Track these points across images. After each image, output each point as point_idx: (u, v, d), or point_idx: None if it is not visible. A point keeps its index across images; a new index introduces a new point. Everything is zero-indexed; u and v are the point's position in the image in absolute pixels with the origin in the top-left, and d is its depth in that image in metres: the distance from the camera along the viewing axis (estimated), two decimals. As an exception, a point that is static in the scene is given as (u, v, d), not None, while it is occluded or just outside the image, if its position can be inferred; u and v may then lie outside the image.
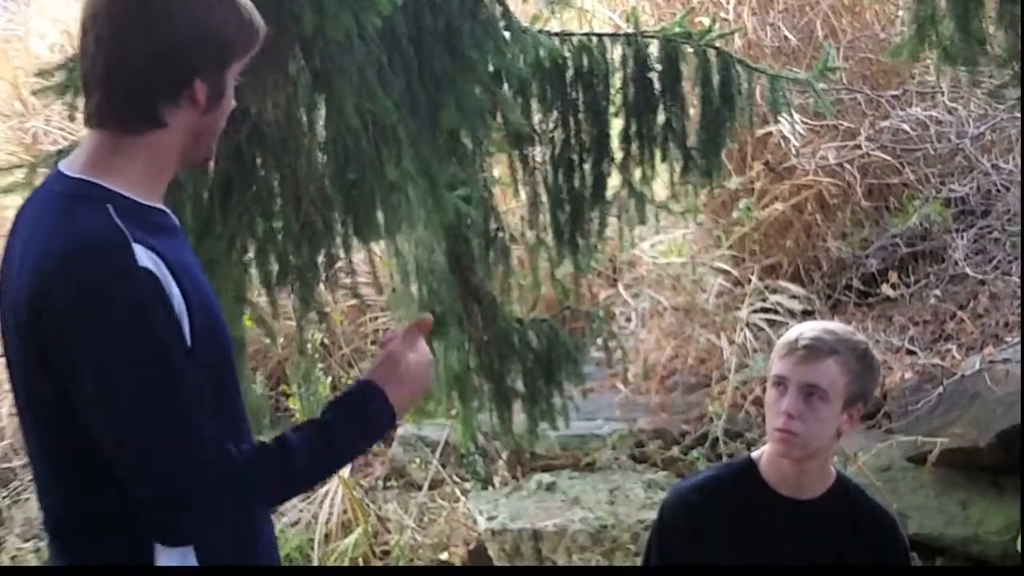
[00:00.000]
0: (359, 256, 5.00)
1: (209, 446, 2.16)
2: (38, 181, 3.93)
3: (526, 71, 4.54)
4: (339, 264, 4.42)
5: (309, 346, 7.06)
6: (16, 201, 3.96)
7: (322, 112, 4.00)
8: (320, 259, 4.26)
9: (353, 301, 7.23)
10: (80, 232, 2.18)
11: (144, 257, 2.16)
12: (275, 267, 4.20)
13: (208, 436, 2.16)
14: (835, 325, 3.14)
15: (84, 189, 2.25)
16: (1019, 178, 7.04)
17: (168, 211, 2.37)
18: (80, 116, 3.93)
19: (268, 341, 5.32)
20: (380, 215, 4.14)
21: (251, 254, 4.18)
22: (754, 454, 3.18)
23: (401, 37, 3.98)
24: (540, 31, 4.74)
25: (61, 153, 4.03)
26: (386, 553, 6.42)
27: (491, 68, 4.29)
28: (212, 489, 2.15)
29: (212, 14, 2.27)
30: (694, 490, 3.18)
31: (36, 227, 2.27)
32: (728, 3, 7.86)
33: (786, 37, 7.74)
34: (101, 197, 2.23)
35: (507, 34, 4.33)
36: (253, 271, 4.22)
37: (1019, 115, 6.88)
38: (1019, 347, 6.02)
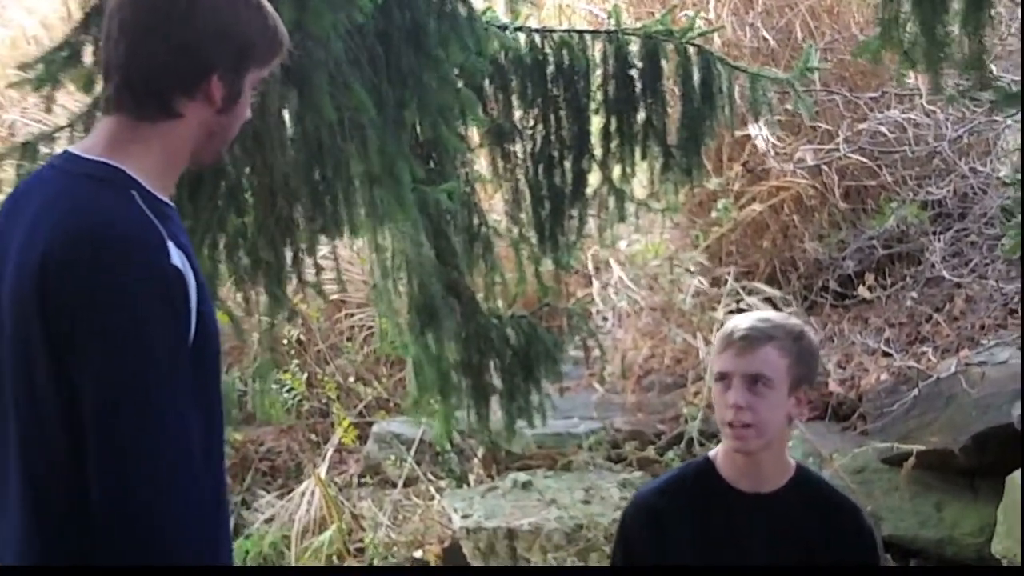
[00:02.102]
0: (332, 252, 5.00)
1: (181, 468, 2.15)
2: (4, 173, 3.93)
3: (489, 68, 4.54)
4: (312, 260, 4.42)
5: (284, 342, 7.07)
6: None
7: (294, 107, 3.99)
8: (290, 254, 4.25)
9: (331, 297, 7.23)
10: (113, 216, 2.18)
11: (175, 255, 2.17)
12: (246, 262, 4.19)
13: (185, 459, 2.16)
14: (769, 313, 3.17)
15: (106, 172, 2.24)
16: (995, 181, 7.05)
17: (174, 206, 2.36)
18: (56, 108, 3.98)
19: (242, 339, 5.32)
20: (347, 211, 4.14)
21: (221, 249, 4.17)
22: (711, 453, 3.16)
23: (369, 33, 3.98)
24: (511, 27, 4.74)
25: (27, 147, 4.02)
26: (360, 551, 6.41)
27: (455, 65, 4.28)
28: (163, 506, 2.14)
29: (237, 14, 2.29)
30: (654, 495, 3.17)
31: (51, 205, 2.24)
32: (708, 3, 7.86)
33: (765, 38, 7.75)
34: (124, 183, 2.23)
35: (472, 31, 4.32)
36: (222, 266, 4.21)
37: (996, 119, 6.89)
38: (994, 350, 6.04)
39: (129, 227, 2.17)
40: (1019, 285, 6.42)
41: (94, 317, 2.12)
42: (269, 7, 2.36)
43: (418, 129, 4.53)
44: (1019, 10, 4.61)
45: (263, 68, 2.38)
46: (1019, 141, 6.68)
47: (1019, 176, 6.68)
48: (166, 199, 2.31)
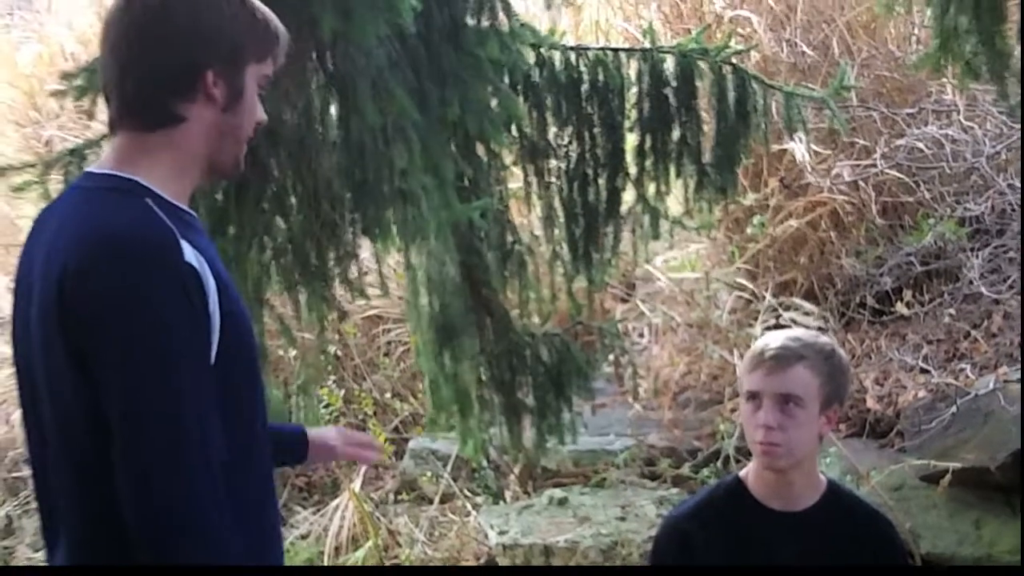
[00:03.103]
0: (371, 265, 5.02)
1: (194, 477, 2.17)
2: (52, 181, 3.99)
3: (528, 67, 4.56)
4: (356, 262, 4.45)
5: (322, 356, 7.09)
6: (29, 206, 4.02)
7: (337, 112, 4.02)
8: (334, 257, 4.29)
9: (368, 313, 7.25)
10: (124, 221, 2.21)
11: (190, 254, 2.20)
12: (295, 267, 4.23)
13: (199, 466, 2.17)
14: (799, 332, 3.15)
15: (118, 183, 2.29)
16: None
17: (195, 214, 2.39)
18: (97, 121, 4.03)
19: (283, 350, 5.34)
20: (391, 215, 4.16)
21: (269, 253, 4.21)
22: (741, 472, 3.17)
23: (410, 35, 4.00)
24: (547, 44, 4.76)
25: (74, 152, 4.08)
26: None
27: (495, 62, 4.31)
28: (185, 520, 2.15)
29: (217, 10, 2.33)
30: (685, 518, 3.17)
31: (68, 219, 2.28)
32: (748, 19, 7.85)
33: (803, 53, 7.73)
34: (138, 191, 2.27)
35: (510, 29, 4.35)
36: (272, 270, 4.25)
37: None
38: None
39: (139, 229, 2.20)
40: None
41: (108, 320, 2.16)
42: (255, 1, 2.39)
43: (453, 144, 4.55)
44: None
45: (263, 63, 2.41)
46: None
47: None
48: (184, 206, 2.34)
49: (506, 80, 4.49)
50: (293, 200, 4.18)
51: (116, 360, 2.15)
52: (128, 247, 2.17)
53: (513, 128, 4.68)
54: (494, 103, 4.34)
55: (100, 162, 2.39)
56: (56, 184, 4.02)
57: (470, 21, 4.20)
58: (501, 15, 4.36)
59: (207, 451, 2.18)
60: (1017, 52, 4.44)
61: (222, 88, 2.34)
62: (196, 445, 2.16)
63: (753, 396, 3.00)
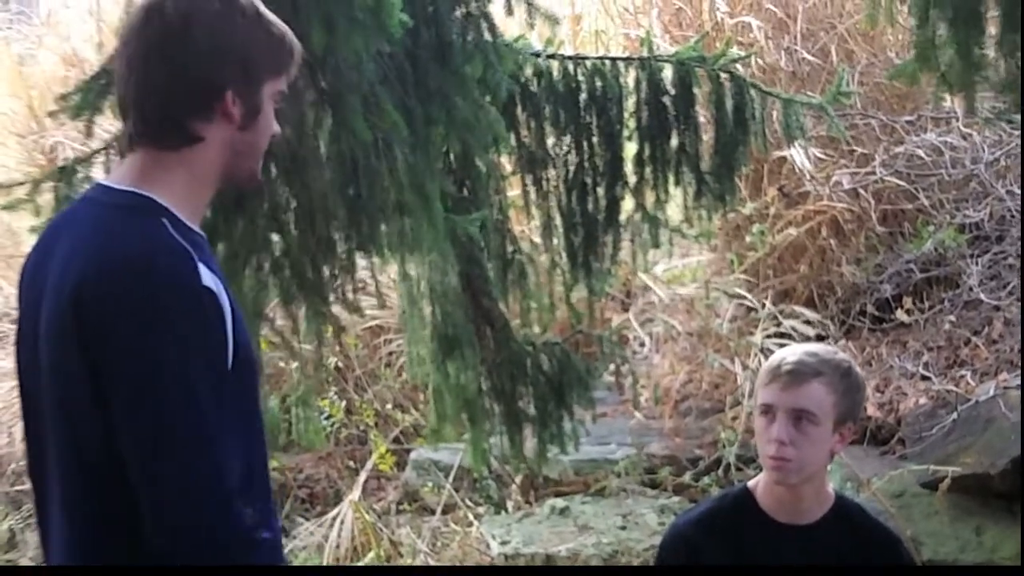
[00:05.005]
0: (371, 277, 5.02)
1: (223, 495, 2.17)
2: (42, 199, 3.99)
3: (512, 86, 4.56)
4: (351, 277, 4.45)
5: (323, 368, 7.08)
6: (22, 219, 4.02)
7: (329, 128, 4.02)
8: (327, 272, 4.29)
9: (369, 324, 7.24)
10: (143, 243, 2.21)
11: (207, 277, 2.20)
12: (292, 282, 4.22)
13: (227, 485, 2.18)
14: (816, 347, 3.12)
15: (136, 201, 2.28)
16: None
17: (205, 236, 2.38)
18: (98, 133, 4.03)
19: (283, 363, 5.34)
20: (383, 229, 4.16)
21: (267, 269, 4.21)
22: (750, 483, 3.15)
23: (398, 53, 4.00)
24: (544, 54, 4.77)
25: (64, 171, 4.07)
26: (399, 577, 6.40)
27: (477, 78, 4.31)
28: (211, 534, 2.16)
29: (235, 29, 2.31)
30: (691, 525, 3.16)
31: (83, 235, 2.28)
32: (747, 26, 7.86)
33: (801, 61, 7.73)
34: (155, 210, 2.26)
35: (494, 47, 4.35)
36: (268, 286, 4.25)
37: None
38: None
39: (160, 252, 2.19)
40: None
41: (130, 343, 2.15)
42: (270, 16, 2.38)
43: (452, 155, 4.56)
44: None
45: (278, 78, 2.40)
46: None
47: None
48: (196, 227, 2.34)
49: (488, 98, 4.48)
50: (288, 216, 4.18)
51: (141, 383, 2.15)
52: (148, 270, 2.17)
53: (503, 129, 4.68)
54: (480, 121, 4.34)
55: (117, 176, 2.37)
56: (47, 203, 4.02)
57: (456, 40, 4.20)
58: (486, 34, 4.36)
59: (232, 464, 2.19)
60: (991, 61, 4.43)
61: (239, 107, 2.33)
62: (223, 463, 2.17)
63: (767, 410, 2.99)
